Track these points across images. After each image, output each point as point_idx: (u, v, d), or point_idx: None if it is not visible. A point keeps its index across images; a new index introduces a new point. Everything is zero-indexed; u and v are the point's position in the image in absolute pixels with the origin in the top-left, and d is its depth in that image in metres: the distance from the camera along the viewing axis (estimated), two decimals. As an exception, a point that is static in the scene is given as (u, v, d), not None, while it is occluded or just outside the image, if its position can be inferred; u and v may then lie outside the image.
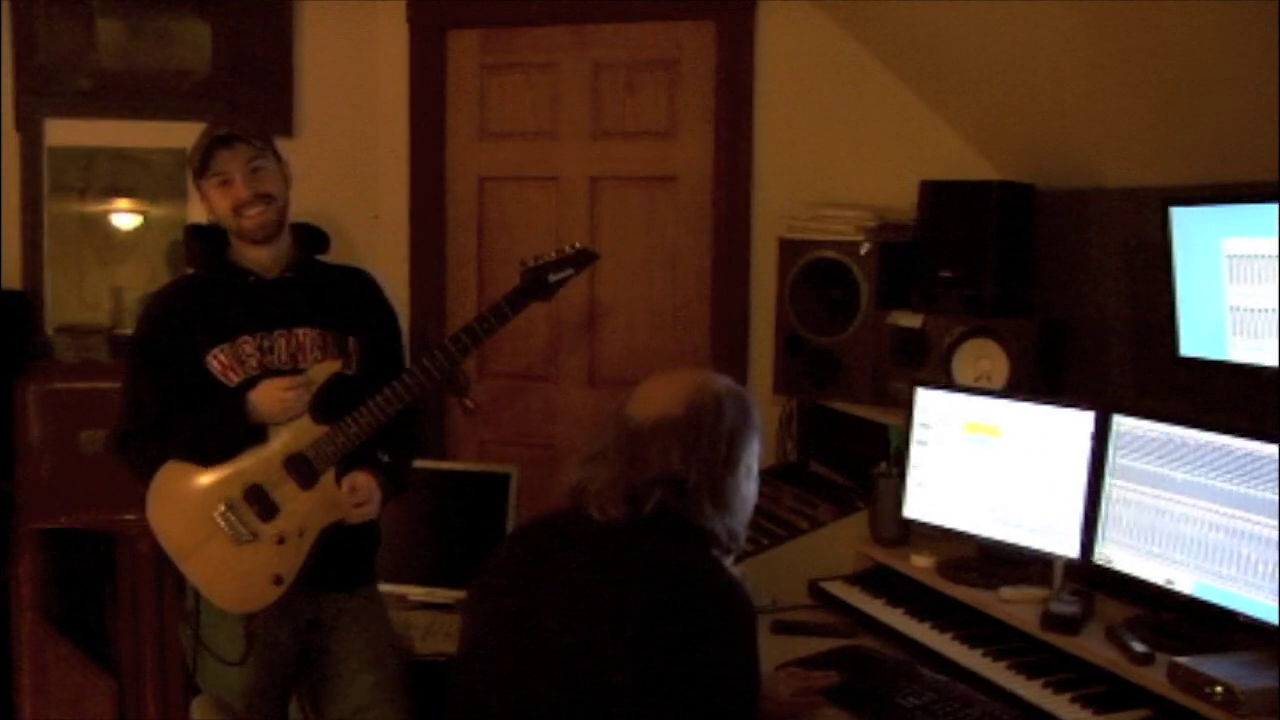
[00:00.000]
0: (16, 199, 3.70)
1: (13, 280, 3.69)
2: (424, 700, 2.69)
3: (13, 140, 3.69)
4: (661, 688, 1.72)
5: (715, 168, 3.67)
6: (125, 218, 3.80)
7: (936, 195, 3.10)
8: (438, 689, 2.20)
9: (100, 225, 3.78)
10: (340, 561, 2.55)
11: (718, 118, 3.65)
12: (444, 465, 3.37)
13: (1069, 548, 2.39)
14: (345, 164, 3.85)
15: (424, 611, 3.11)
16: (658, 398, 1.90)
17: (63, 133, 3.72)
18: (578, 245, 2.61)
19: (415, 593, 3.16)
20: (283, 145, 2.63)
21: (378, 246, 3.86)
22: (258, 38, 3.76)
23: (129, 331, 2.73)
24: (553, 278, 2.56)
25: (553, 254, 2.58)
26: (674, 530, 1.85)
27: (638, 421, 1.88)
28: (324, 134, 3.82)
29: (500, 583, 1.94)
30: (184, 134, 2.72)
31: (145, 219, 3.80)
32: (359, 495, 2.48)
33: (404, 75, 3.88)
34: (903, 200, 3.21)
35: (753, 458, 1.94)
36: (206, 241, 2.59)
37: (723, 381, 1.95)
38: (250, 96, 3.75)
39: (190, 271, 2.65)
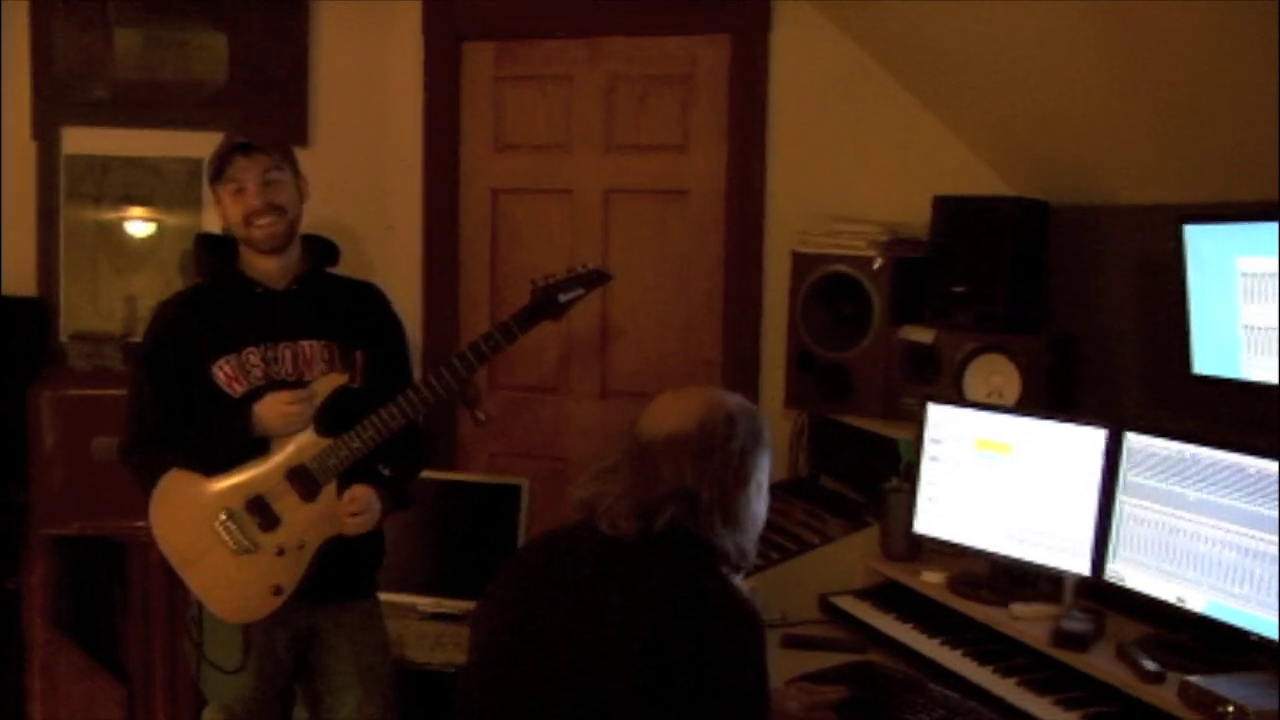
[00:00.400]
0: (33, 207, 3.73)
1: (28, 287, 3.71)
2: (431, 711, 2.69)
3: (30, 148, 3.72)
4: (670, 703, 1.72)
5: (728, 182, 3.67)
6: (140, 226, 3.81)
7: (950, 211, 3.10)
8: (445, 700, 2.20)
9: (115, 233, 3.80)
10: (341, 574, 2.55)
11: (731, 132, 3.65)
12: (454, 476, 3.37)
13: (1080, 565, 2.38)
14: (359, 175, 3.86)
15: (433, 622, 3.12)
16: (670, 415, 1.91)
17: (79, 141, 3.74)
18: (590, 265, 2.62)
19: (424, 603, 3.16)
20: (297, 155, 2.64)
21: (391, 257, 3.87)
22: (273, 49, 3.78)
23: (142, 339, 2.73)
24: (563, 297, 2.56)
25: (564, 273, 2.58)
26: (684, 546, 1.85)
27: (650, 438, 1.89)
28: (338, 145, 3.83)
29: (509, 595, 1.94)
30: (199, 144, 2.73)
31: (159, 227, 3.81)
32: (356, 505, 2.48)
33: (418, 87, 3.89)
34: (916, 215, 3.22)
35: (763, 475, 1.95)
36: (215, 251, 2.60)
37: (735, 399, 1.96)
38: (265, 107, 3.77)
39: (199, 281, 2.66)
